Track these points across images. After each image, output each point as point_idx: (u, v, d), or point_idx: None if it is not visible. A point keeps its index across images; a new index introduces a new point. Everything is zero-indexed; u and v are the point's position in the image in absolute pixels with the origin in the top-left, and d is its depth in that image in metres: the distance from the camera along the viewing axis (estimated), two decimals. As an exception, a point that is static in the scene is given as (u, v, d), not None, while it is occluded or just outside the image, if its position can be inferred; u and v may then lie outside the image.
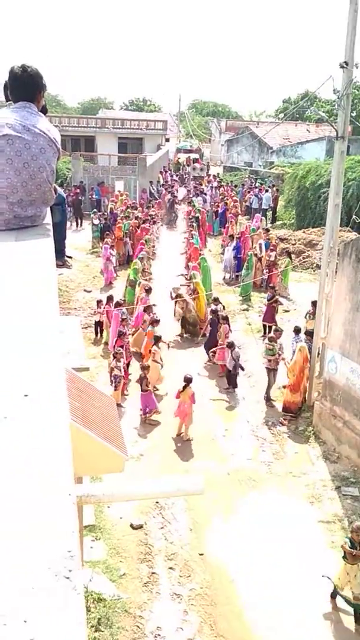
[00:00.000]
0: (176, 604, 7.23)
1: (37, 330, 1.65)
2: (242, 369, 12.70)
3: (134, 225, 22.13)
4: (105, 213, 24.80)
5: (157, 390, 12.22)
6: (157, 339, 12.58)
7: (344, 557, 7.09)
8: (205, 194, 30.99)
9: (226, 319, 13.86)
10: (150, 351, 12.34)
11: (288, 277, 18.50)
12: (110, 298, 14.79)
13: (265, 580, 7.60)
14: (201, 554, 8.06)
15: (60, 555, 0.86)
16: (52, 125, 3.02)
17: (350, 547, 6.96)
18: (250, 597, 7.35)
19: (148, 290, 15.19)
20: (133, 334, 14.01)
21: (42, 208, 2.97)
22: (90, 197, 28.40)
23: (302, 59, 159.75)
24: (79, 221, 26.72)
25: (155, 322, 13.42)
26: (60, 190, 3.72)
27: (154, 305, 14.80)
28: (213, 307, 14.66)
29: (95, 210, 25.08)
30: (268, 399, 12.25)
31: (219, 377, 13.27)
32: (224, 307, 15.33)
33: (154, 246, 22.11)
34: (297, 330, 12.44)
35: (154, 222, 23.83)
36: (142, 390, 11.40)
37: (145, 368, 11.56)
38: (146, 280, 17.27)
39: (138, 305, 14.77)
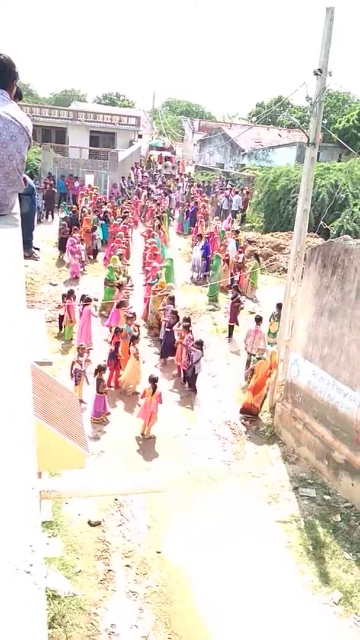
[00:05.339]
0: (131, 601, 7.21)
1: (3, 323, 1.61)
2: (195, 376, 12.55)
3: (114, 227, 21.60)
4: (74, 206, 24.52)
5: (132, 389, 12.07)
6: (134, 339, 12.25)
7: None
8: (173, 193, 31.02)
9: (188, 320, 13.49)
10: (129, 352, 12.02)
11: (257, 278, 18.70)
12: (70, 292, 14.46)
13: (222, 579, 7.66)
14: (158, 552, 8.06)
15: (21, 549, 0.84)
16: (24, 113, 2.96)
17: None
18: (206, 595, 7.40)
19: (119, 287, 14.79)
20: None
21: (10, 197, 2.91)
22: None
23: (276, 64, 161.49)
24: (50, 213, 26.38)
25: (129, 318, 13.11)
26: (30, 180, 3.66)
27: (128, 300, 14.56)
28: (170, 307, 14.17)
29: (64, 202, 24.74)
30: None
31: (174, 377, 13.23)
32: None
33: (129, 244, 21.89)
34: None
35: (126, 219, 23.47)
36: (97, 392, 11.12)
37: (102, 369, 11.26)
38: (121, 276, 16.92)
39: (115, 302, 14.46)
